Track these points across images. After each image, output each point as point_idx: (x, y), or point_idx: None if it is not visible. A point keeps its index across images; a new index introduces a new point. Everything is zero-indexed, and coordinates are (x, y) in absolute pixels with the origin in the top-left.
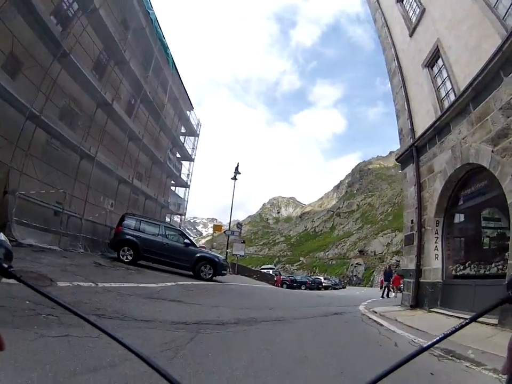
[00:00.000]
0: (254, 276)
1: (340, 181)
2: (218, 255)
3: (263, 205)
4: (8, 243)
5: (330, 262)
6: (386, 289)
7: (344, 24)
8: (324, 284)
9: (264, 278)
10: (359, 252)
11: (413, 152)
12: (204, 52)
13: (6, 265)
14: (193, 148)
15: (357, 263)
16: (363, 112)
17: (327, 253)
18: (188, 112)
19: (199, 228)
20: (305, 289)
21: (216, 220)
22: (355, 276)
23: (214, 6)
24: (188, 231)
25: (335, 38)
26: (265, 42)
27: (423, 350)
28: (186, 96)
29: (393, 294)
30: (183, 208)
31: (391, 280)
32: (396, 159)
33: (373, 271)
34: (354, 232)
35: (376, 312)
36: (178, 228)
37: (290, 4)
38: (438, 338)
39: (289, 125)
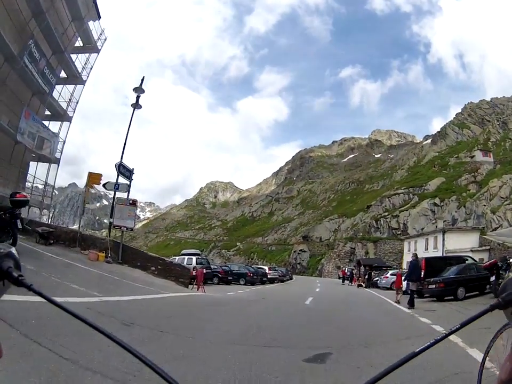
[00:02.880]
0: (152, 268)
1: (280, 168)
2: None
3: (200, 189)
4: (17, 255)
5: (269, 248)
6: (411, 294)
7: (302, 15)
8: (269, 276)
9: (170, 273)
10: (303, 238)
11: None
12: (156, 32)
13: (16, 275)
14: (85, 67)
15: (300, 250)
16: (308, 102)
17: (265, 238)
18: (90, 23)
19: (137, 212)
20: (244, 283)
21: (154, 203)
22: (299, 263)
23: None
24: None
25: (289, 28)
26: (219, 27)
27: (415, 354)
28: None
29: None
30: (52, 149)
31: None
32: None
33: (321, 259)
34: (295, 217)
35: None
36: None
37: None
38: (428, 343)
39: (232, 111)
